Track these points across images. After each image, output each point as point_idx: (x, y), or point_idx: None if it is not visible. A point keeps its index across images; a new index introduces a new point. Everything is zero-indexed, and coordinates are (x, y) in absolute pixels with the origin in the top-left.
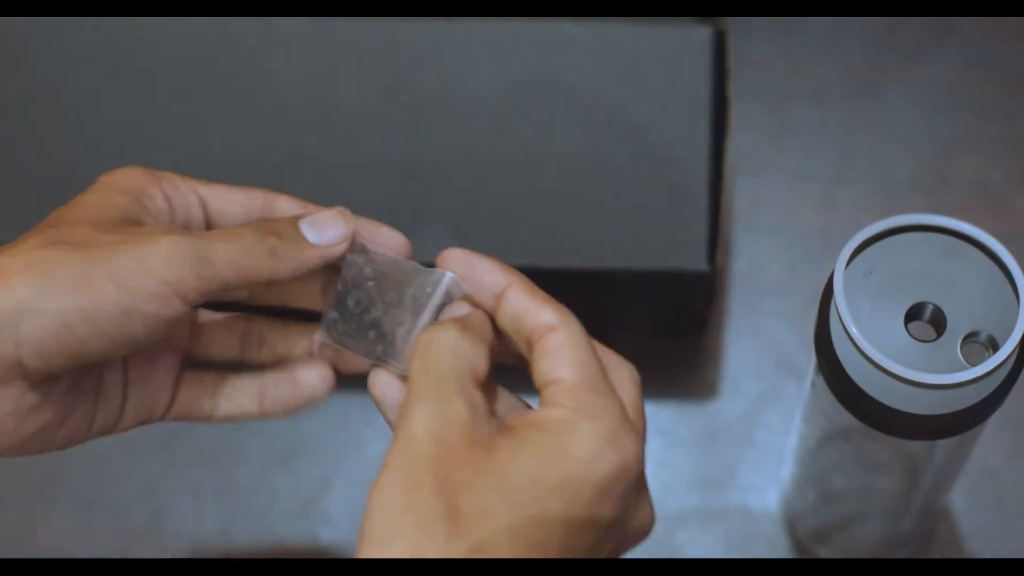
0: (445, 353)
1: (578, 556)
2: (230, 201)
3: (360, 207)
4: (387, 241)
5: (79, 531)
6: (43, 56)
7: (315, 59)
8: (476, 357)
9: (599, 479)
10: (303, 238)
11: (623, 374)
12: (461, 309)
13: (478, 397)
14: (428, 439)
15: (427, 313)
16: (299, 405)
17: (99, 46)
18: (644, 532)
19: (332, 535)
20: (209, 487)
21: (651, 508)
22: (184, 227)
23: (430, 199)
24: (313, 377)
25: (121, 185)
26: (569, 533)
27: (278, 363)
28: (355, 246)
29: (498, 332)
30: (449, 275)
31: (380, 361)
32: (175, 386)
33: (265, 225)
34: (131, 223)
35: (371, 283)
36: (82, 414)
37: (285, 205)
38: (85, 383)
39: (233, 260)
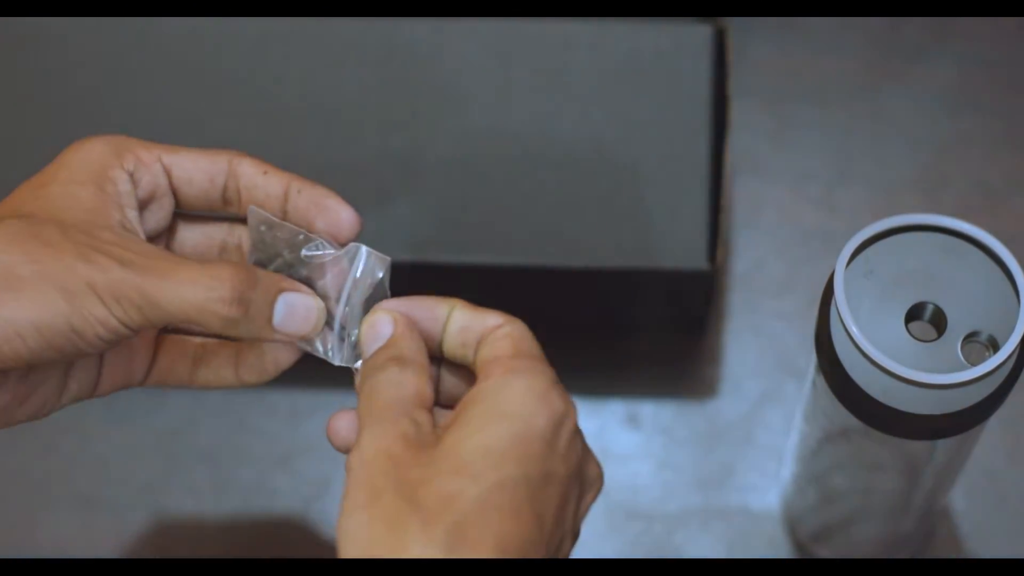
0: (384, 385)
1: (551, 514)
2: (194, 168)
3: (359, 206)
4: (336, 217)
5: (79, 531)
6: (43, 56)
7: (315, 59)
8: (418, 384)
9: (541, 432)
10: (270, 318)
11: None
12: (384, 328)
13: (423, 416)
14: (377, 456)
15: (347, 287)
16: (269, 372)
17: (99, 46)
18: (599, 484)
19: (332, 535)
20: (209, 487)
21: (598, 463)
22: (147, 241)
23: (429, 199)
24: (275, 345)
25: (85, 171)
26: (534, 491)
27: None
28: (258, 217)
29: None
30: (364, 249)
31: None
32: (154, 351)
33: (241, 284)
34: (96, 223)
35: (283, 258)
36: (47, 390)
37: (248, 170)
38: (49, 365)
39: (182, 311)
